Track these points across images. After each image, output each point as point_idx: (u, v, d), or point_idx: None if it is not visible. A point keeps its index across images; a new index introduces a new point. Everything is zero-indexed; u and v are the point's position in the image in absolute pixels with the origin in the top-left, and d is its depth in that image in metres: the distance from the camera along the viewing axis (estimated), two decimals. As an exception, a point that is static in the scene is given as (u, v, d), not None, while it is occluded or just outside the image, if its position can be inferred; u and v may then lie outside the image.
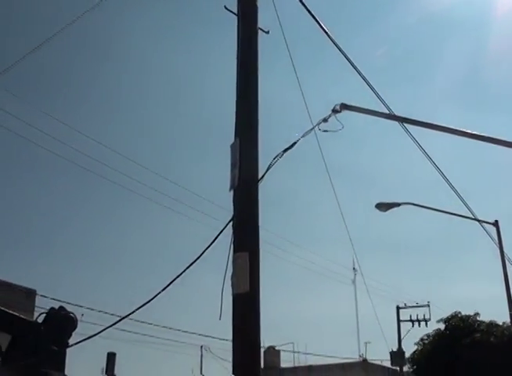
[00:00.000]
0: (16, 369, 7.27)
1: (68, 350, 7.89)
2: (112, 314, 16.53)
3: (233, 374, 5.79)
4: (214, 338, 27.73)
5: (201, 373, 31.78)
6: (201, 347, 31.23)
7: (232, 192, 6.69)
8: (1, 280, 18.87)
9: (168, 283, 6.09)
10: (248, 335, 6.05)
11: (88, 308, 14.96)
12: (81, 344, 7.34)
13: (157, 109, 58.70)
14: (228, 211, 7.34)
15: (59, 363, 7.72)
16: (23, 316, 8.43)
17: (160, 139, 58.28)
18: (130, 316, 7.08)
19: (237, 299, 6.14)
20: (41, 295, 18.13)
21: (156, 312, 12.22)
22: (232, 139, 7.00)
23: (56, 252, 51.09)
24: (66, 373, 7.85)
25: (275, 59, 10.00)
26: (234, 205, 6.54)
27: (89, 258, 52.69)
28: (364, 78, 9.00)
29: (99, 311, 16.63)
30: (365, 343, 37.88)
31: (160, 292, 6.06)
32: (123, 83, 57.48)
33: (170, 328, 22.48)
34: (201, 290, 53.93)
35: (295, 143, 7.66)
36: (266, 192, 7.13)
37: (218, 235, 5.80)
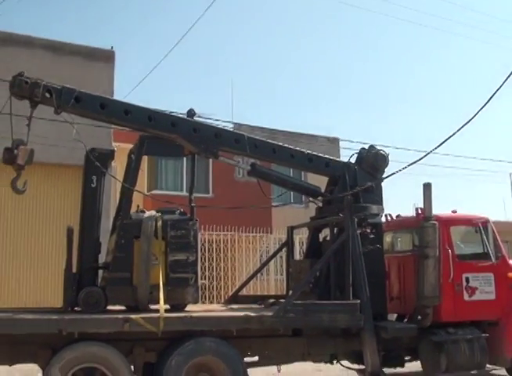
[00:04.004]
0: (337, 203, 8.02)
1: (383, 185, 8.38)
2: (415, 150, 16.75)
3: None
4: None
5: (513, 202, 31.01)
6: (510, 174, 30.30)
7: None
8: (305, 133, 20.32)
9: (479, 109, 5.88)
10: None
11: (394, 147, 15.34)
12: (393, 179, 7.67)
13: None
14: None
15: (376, 197, 8.27)
16: (336, 158, 9.12)
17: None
18: (436, 150, 7.10)
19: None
20: (346, 140, 19.09)
21: (462, 144, 11.97)
22: None
23: (355, 100, 51.58)
24: (383, 206, 8.42)
25: None
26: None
27: (390, 100, 51.91)
28: None
29: (405, 149, 16.90)
30: None
31: (471, 118, 5.92)
32: None
33: (475, 158, 21.97)
34: (505, 118, 51.12)
35: None
36: None
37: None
